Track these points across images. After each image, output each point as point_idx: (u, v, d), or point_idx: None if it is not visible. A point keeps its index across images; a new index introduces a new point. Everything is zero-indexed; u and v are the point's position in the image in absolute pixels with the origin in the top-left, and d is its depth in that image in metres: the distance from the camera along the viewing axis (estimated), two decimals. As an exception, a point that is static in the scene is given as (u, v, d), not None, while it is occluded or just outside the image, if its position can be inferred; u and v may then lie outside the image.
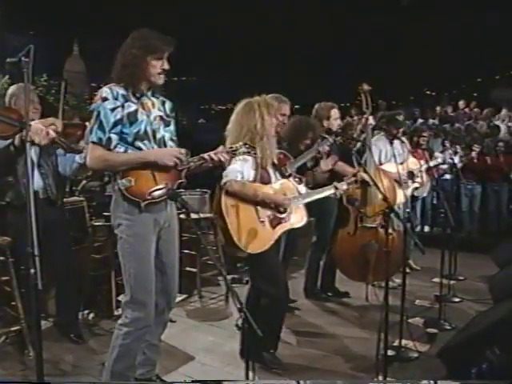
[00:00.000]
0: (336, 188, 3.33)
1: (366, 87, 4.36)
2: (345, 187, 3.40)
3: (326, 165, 3.94)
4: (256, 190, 2.94)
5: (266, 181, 3.02)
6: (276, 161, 3.15)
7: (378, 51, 12.44)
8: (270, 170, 3.08)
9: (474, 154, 6.02)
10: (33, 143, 2.62)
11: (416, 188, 5.04)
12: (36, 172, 3.28)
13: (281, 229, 3.04)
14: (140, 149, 2.47)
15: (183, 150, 2.51)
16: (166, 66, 2.50)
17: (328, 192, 3.32)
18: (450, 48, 12.03)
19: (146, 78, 2.48)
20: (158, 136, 2.56)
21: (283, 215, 3.03)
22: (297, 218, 3.11)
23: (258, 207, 2.96)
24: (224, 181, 2.89)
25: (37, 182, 3.27)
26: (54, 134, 2.45)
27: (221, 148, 2.60)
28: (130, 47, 2.44)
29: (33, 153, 3.23)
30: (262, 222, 2.96)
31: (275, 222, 3.00)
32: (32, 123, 2.51)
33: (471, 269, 5.50)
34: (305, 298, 4.53)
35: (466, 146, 7.13)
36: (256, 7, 12.02)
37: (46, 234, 3.28)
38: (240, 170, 2.91)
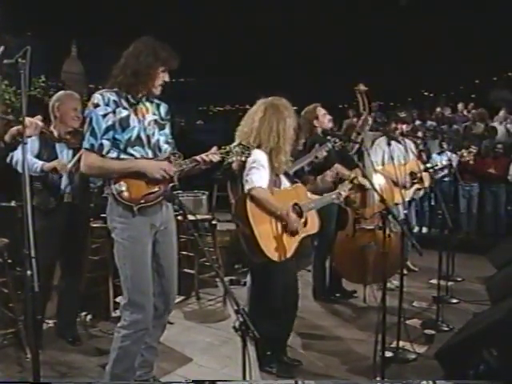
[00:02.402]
0: (340, 194, 3.31)
1: (362, 88, 4.35)
2: (345, 194, 3.37)
3: (331, 176, 3.94)
4: (277, 202, 2.90)
5: (277, 186, 2.99)
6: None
7: (376, 51, 12.45)
8: (282, 176, 3.06)
9: (470, 155, 6.02)
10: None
11: (418, 189, 5.06)
12: (64, 176, 3.34)
13: (299, 236, 3.03)
14: (132, 155, 2.49)
15: (173, 168, 2.50)
16: (167, 79, 2.54)
17: (333, 197, 3.31)
18: (447, 49, 12.04)
19: (149, 88, 2.51)
20: (153, 140, 2.57)
21: (301, 221, 3.01)
22: (312, 224, 3.11)
23: None
24: (249, 187, 2.85)
25: (64, 186, 3.35)
26: (41, 124, 2.48)
27: (213, 149, 2.60)
28: (145, 55, 2.45)
29: (64, 159, 3.33)
30: (285, 228, 2.94)
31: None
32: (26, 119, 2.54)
33: (469, 270, 5.52)
34: (303, 300, 4.52)
35: (464, 147, 7.14)
36: (256, 8, 12.01)
37: (66, 237, 3.33)
38: (263, 176, 2.87)
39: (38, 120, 2.55)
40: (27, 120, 2.49)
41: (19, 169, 3.06)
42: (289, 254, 2.95)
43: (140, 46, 2.49)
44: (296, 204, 3.01)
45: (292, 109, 3.04)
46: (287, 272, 3.05)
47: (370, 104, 4.44)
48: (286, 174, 3.14)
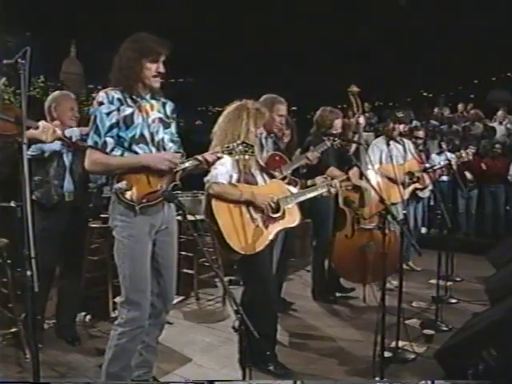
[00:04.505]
0: (330, 186, 3.27)
1: (354, 89, 4.34)
2: (337, 185, 3.34)
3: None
4: (240, 190, 2.93)
5: (251, 182, 3.02)
6: (262, 163, 3.17)
7: (376, 51, 12.47)
8: (256, 172, 3.08)
9: (466, 155, 6.00)
10: (39, 141, 2.64)
11: (419, 189, 5.07)
12: (67, 175, 3.35)
13: (274, 229, 3.02)
14: (136, 153, 2.49)
15: (177, 155, 2.51)
16: (162, 69, 2.50)
17: (321, 191, 3.26)
18: (447, 49, 12.05)
19: (141, 81, 2.49)
20: (157, 138, 2.57)
21: (276, 215, 3.01)
22: (290, 218, 3.10)
23: (251, 208, 2.95)
24: (206, 186, 2.91)
25: (66, 185, 3.35)
26: (59, 132, 2.47)
27: (217, 148, 2.61)
28: (126, 50, 2.47)
29: (65, 158, 3.35)
30: (256, 222, 2.95)
31: (268, 222, 2.99)
32: (39, 123, 2.54)
33: (468, 270, 5.53)
34: (302, 300, 4.55)
35: (463, 147, 7.14)
36: (256, 7, 12.04)
37: (66, 237, 3.33)
38: (220, 172, 2.90)
39: (57, 127, 2.56)
40: (45, 125, 2.49)
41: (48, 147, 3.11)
42: (261, 246, 2.94)
43: (125, 43, 2.50)
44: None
45: (258, 111, 3.04)
46: (263, 266, 3.04)
47: (362, 105, 4.45)
48: (261, 169, 3.15)
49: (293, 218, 3.11)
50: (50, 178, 3.30)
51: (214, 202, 2.88)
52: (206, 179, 2.93)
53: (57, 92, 3.58)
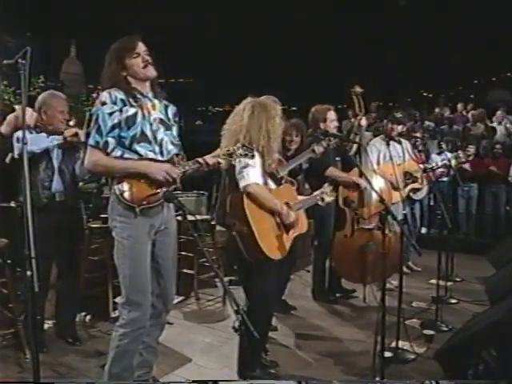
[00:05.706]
0: (323, 195, 3.27)
1: (358, 89, 4.32)
2: (330, 199, 3.32)
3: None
4: (276, 199, 2.90)
5: (264, 185, 2.97)
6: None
7: (376, 51, 12.48)
8: (267, 176, 3.04)
9: (464, 155, 5.99)
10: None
11: (416, 190, 5.07)
12: (56, 176, 3.33)
13: (293, 234, 3.02)
14: (137, 152, 2.48)
15: (176, 170, 2.50)
16: (147, 57, 2.51)
17: (317, 198, 3.27)
18: (446, 49, 12.06)
19: (137, 77, 2.51)
20: (158, 138, 2.56)
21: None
22: (301, 224, 3.11)
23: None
24: (244, 184, 2.79)
25: (55, 185, 3.32)
26: (35, 114, 2.45)
27: (217, 151, 2.61)
28: (108, 60, 2.53)
29: (54, 157, 3.32)
30: (279, 227, 2.93)
31: (288, 228, 2.98)
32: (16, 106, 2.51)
33: (468, 270, 5.53)
34: (302, 300, 4.54)
35: (463, 147, 7.14)
36: (255, 8, 12.05)
37: (60, 236, 3.32)
38: (256, 174, 2.83)
39: (32, 110, 2.52)
40: (17, 107, 2.44)
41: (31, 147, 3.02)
42: (285, 252, 2.94)
43: (106, 55, 2.56)
44: (287, 203, 3.00)
45: (279, 108, 3.02)
46: (273, 271, 2.99)
47: (365, 105, 4.43)
48: (271, 175, 3.12)
49: (303, 224, 3.13)
50: (38, 179, 3.26)
51: (246, 201, 2.78)
52: (238, 176, 2.81)
53: (46, 93, 3.47)
